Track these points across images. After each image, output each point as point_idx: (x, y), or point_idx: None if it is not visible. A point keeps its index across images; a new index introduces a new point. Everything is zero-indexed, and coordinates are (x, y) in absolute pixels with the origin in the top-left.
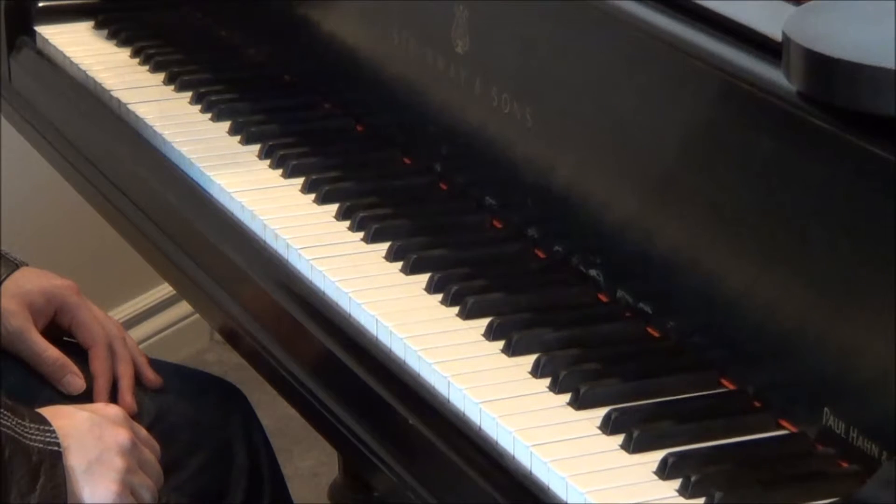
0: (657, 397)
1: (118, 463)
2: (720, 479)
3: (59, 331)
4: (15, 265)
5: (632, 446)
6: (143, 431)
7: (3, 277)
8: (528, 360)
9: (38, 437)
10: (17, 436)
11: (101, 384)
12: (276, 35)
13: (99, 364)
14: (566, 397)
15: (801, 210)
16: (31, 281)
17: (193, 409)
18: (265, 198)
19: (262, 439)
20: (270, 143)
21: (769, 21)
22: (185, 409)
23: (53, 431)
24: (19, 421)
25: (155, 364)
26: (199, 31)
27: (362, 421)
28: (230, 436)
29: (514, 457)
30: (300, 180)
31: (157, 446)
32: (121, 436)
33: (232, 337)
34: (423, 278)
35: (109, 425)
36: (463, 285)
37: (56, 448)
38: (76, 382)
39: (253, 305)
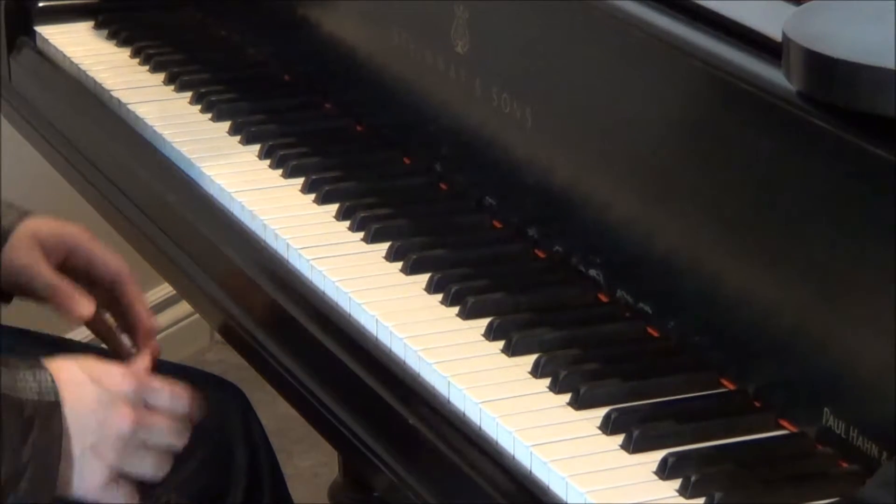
0: (657, 397)
1: (111, 456)
2: (720, 479)
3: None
4: (25, 212)
5: (632, 446)
6: (163, 392)
7: (15, 221)
8: (528, 360)
9: (33, 386)
10: (8, 391)
11: (140, 309)
12: (276, 35)
13: (132, 289)
14: (566, 397)
15: (801, 210)
16: (42, 224)
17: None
18: (265, 198)
19: (261, 438)
20: (270, 143)
21: (769, 21)
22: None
23: (49, 377)
24: (14, 374)
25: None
26: (199, 31)
27: (362, 421)
28: (230, 435)
29: (514, 457)
30: (300, 180)
31: (181, 399)
32: (123, 421)
33: (232, 337)
34: (423, 278)
35: (115, 407)
36: (463, 285)
37: (52, 398)
38: (85, 306)
39: (253, 305)
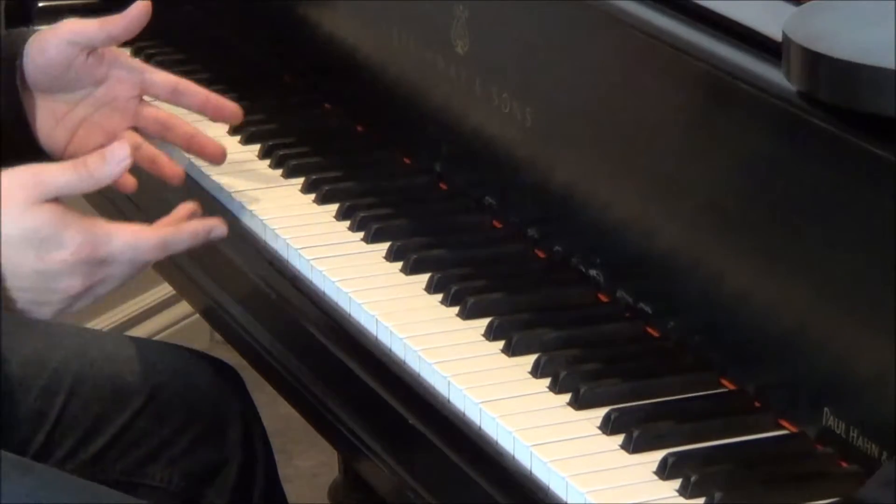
0: (657, 397)
1: (57, 306)
2: (720, 479)
3: None
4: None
5: (632, 446)
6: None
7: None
8: (528, 360)
9: None
10: None
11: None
12: (276, 35)
13: (190, 85)
14: (566, 397)
15: (801, 210)
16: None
17: (187, 386)
18: (265, 197)
19: (253, 415)
20: (270, 143)
21: (769, 21)
22: (179, 387)
23: None
24: None
25: (147, 343)
26: (199, 30)
27: (362, 421)
28: (224, 413)
29: (514, 457)
30: (300, 180)
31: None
32: (67, 290)
33: (232, 337)
34: (423, 278)
35: (57, 280)
36: (463, 285)
37: None
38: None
39: (253, 305)
